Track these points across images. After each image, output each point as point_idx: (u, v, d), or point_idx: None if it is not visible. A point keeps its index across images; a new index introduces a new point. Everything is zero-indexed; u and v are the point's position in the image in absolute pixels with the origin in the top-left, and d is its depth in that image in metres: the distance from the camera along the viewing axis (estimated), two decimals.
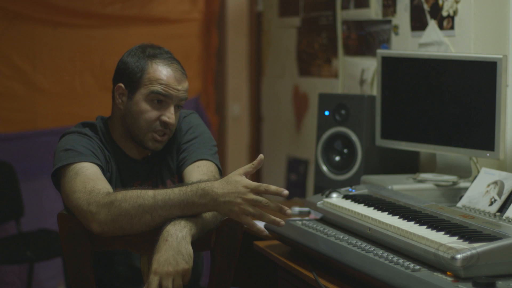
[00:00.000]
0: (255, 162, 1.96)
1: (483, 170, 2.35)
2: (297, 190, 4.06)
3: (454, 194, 2.59)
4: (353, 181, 2.87)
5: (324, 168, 3.03)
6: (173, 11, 4.58)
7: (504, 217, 2.13)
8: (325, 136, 3.04)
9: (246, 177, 1.94)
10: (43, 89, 4.26)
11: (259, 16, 4.53)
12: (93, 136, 2.22)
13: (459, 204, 2.34)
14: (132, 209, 1.93)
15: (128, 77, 2.22)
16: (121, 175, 2.26)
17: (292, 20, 4.08)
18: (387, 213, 2.21)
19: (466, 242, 1.88)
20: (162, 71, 2.21)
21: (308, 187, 3.94)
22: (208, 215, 2.00)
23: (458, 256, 1.78)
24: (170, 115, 2.20)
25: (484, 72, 2.51)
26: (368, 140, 2.93)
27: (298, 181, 4.06)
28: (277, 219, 1.93)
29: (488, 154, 2.51)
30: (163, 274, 1.84)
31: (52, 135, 3.95)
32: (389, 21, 3.24)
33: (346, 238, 2.18)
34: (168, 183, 2.30)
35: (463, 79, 2.60)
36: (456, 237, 1.92)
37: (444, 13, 2.89)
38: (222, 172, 2.34)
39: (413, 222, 2.09)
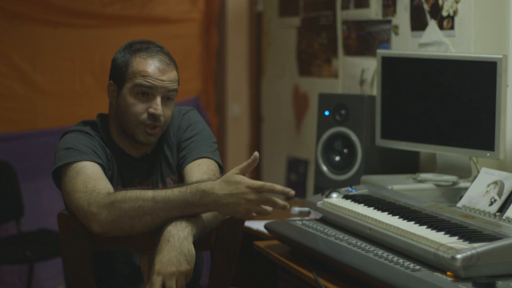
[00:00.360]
0: (250, 160, 1.95)
1: (483, 170, 2.35)
2: (297, 190, 4.06)
3: (454, 194, 2.59)
4: (353, 181, 2.87)
5: (324, 168, 3.03)
6: (173, 11, 4.58)
7: (504, 217, 2.13)
8: (325, 136, 3.04)
9: (245, 176, 1.94)
10: (43, 89, 4.26)
11: (259, 16, 4.53)
12: (94, 135, 2.22)
13: (459, 204, 2.34)
14: (132, 210, 1.93)
15: (115, 73, 2.23)
16: (121, 173, 2.26)
17: (292, 20, 4.08)
18: (387, 213, 2.21)
19: (466, 242, 1.88)
20: (145, 63, 2.19)
21: (308, 187, 3.94)
22: (208, 215, 1.99)
23: (458, 256, 1.78)
24: (156, 107, 2.19)
25: (484, 72, 2.51)
26: (368, 140, 2.93)
27: (298, 181, 4.06)
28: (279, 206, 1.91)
29: (488, 154, 2.51)
30: (166, 274, 1.84)
31: (52, 135, 3.95)
32: (389, 21, 3.24)
33: (346, 238, 2.18)
34: (168, 181, 2.30)
35: (463, 79, 2.60)
36: (456, 237, 1.92)
37: (444, 13, 2.89)
38: (223, 170, 2.33)
39: (413, 222, 2.09)
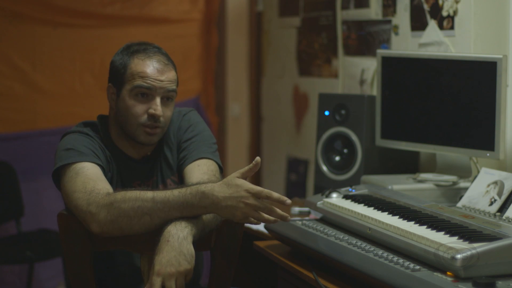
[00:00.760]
0: (251, 165, 1.95)
1: (483, 170, 2.35)
2: (297, 190, 4.06)
3: (454, 194, 2.59)
4: (353, 181, 2.87)
5: (324, 168, 3.03)
6: (173, 11, 4.58)
7: (504, 217, 2.13)
8: (325, 136, 3.04)
9: (245, 180, 1.94)
10: (43, 89, 4.26)
11: (259, 16, 4.53)
12: (94, 136, 2.22)
13: (459, 204, 2.34)
14: (131, 210, 1.93)
15: (114, 75, 2.23)
16: (121, 175, 2.26)
17: (292, 20, 4.08)
18: (387, 213, 2.21)
19: (466, 242, 1.88)
20: (143, 64, 2.19)
21: (308, 187, 3.94)
22: (208, 215, 1.99)
23: (458, 256, 1.78)
24: (155, 107, 2.19)
25: (484, 72, 2.51)
26: (368, 140, 2.93)
27: (298, 181, 4.06)
28: (277, 219, 1.93)
29: (488, 154, 2.51)
30: (165, 275, 1.84)
31: (52, 135, 3.96)
32: (389, 21, 3.24)
33: (346, 238, 2.18)
34: (169, 182, 2.30)
35: (463, 79, 2.60)
36: (456, 237, 1.92)
37: (444, 13, 2.89)
38: (223, 170, 2.34)
39: (413, 222, 2.09)
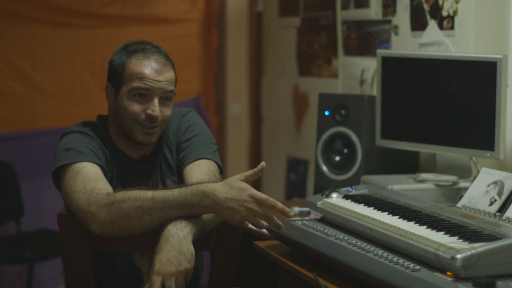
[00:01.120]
0: (256, 169, 1.95)
1: (483, 170, 2.35)
2: (297, 190, 4.06)
3: (454, 194, 2.59)
4: (353, 181, 2.87)
5: (324, 168, 3.03)
6: (173, 11, 4.58)
7: (504, 217, 2.13)
8: (325, 136, 3.04)
9: (248, 184, 1.94)
10: (43, 89, 4.26)
11: (259, 16, 4.53)
12: (94, 136, 2.22)
13: (459, 204, 2.34)
14: (131, 210, 1.93)
15: (112, 75, 2.23)
16: (120, 175, 2.26)
17: (292, 20, 4.08)
18: (387, 213, 2.21)
19: (466, 242, 1.88)
20: (141, 65, 2.18)
21: (308, 187, 3.94)
22: (208, 214, 1.99)
23: (458, 256, 1.78)
24: (153, 108, 2.19)
25: (484, 72, 2.51)
26: (368, 140, 2.93)
27: (298, 181, 4.06)
28: (270, 225, 1.94)
29: (488, 154, 2.51)
30: (165, 274, 1.84)
31: (52, 135, 3.95)
32: (389, 21, 3.24)
33: (346, 238, 2.17)
34: (168, 182, 2.30)
35: (463, 79, 2.60)
36: (456, 237, 1.92)
37: (444, 13, 2.89)
38: (223, 171, 2.33)
39: (413, 222, 2.09)
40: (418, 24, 3.05)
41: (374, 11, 3.33)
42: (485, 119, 2.51)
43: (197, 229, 1.94)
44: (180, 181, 2.27)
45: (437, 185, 2.63)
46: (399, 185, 2.60)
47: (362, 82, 3.43)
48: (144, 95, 2.19)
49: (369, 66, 3.38)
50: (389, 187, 2.57)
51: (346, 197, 2.43)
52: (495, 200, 2.22)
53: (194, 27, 4.68)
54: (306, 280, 2.14)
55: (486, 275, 1.78)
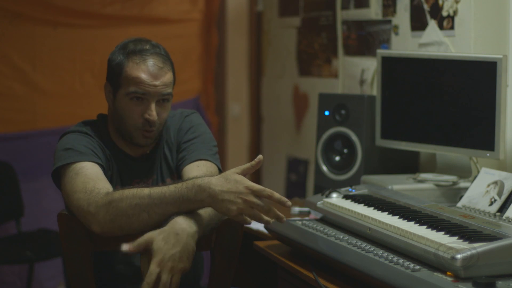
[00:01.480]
0: (253, 162, 1.95)
1: (483, 170, 2.35)
2: (297, 190, 4.06)
3: (454, 194, 2.59)
4: (353, 181, 2.87)
5: (324, 168, 3.03)
6: (173, 11, 4.58)
7: (504, 217, 2.13)
8: (325, 136, 3.04)
9: (245, 177, 1.93)
10: (43, 89, 4.26)
11: (259, 16, 4.53)
12: (94, 135, 2.22)
13: (459, 204, 2.34)
14: (129, 209, 1.93)
15: (111, 76, 2.24)
16: (120, 174, 2.26)
17: (292, 20, 4.08)
18: (387, 213, 2.21)
19: (466, 242, 1.88)
20: (138, 69, 2.18)
21: (308, 187, 3.94)
22: (211, 212, 1.99)
23: (458, 256, 1.78)
24: (150, 112, 2.19)
25: (484, 72, 2.51)
26: (368, 140, 2.93)
27: (298, 181, 4.06)
28: (271, 220, 1.93)
29: (488, 154, 2.51)
30: (165, 268, 1.84)
31: (52, 135, 3.94)
32: (389, 21, 3.24)
33: (346, 238, 2.17)
34: (168, 181, 2.29)
35: (463, 79, 2.60)
36: (456, 237, 1.92)
37: (444, 13, 2.89)
38: (223, 170, 2.33)
39: (413, 222, 2.09)
40: (418, 24, 3.05)
41: (374, 11, 3.33)
42: (485, 119, 2.51)
43: (202, 228, 1.94)
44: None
45: (437, 185, 2.63)
46: (399, 185, 2.60)
47: (362, 82, 3.43)
48: (141, 98, 2.19)
49: (369, 66, 3.38)
50: (389, 187, 2.57)
51: (346, 197, 2.43)
52: (495, 200, 2.22)
53: (194, 27, 4.68)
54: (306, 280, 2.14)
55: (486, 275, 1.78)
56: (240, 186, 1.89)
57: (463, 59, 2.60)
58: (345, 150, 3.00)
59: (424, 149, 2.79)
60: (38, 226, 4.15)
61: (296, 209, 2.96)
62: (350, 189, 2.52)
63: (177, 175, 2.30)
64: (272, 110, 4.42)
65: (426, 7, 2.99)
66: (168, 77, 2.22)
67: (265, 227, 2.44)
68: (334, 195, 2.46)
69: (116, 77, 2.21)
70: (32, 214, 4.18)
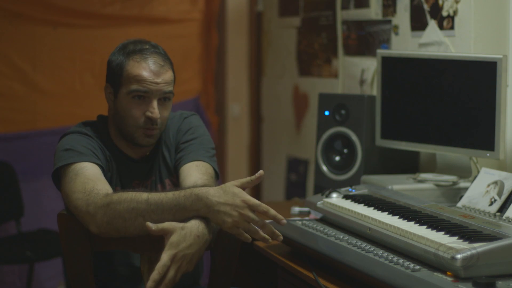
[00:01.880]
0: (253, 177, 1.94)
1: (483, 170, 2.35)
2: (297, 190, 4.06)
3: (454, 194, 2.59)
4: (353, 181, 2.87)
5: (324, 168, 3.03)
6: (173, 11, 4.58)
7: (504, 217, 2.13)
8: (325, 136, 3.04)
9: (244, 191, 1.94)
10: (43, 89, 4.26)
11: (259, 16, 4.53)
12: (94, 136, 2.22)
13: (459, 204, 2.34)
14: (126, 212, 1.92)
15: (111, 76, 2.23)
16: (120, 175, 2.26)
17: (292, 20, 4.08)
18: (387, 213, 2.21)
19: (466, 242, 1.88)
20: (139, 67, 2.18)
21: (308, 187, 3.94)
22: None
23: (458, 256, 1.78)
24: (152, 110, 2.18)
25: (484, 72, 2.51)
26: (368, 140, 2.93)
27: (298, 181, 4.06)
28: (267, 236, 1.94)
29: (488, 154, 2.51)
30: (175, 264, 1.85)
31: (52, 135, 3.95)
32: (389, 21, 3.24)
33: (346, 238, 2.18)
34: (167, 182, 2.30)
35: (463, 79, 2.60)
36: (456, 237, 1.92)
37: (444, 13, 2.89)
38: (220, 174, 2.33)
39: (413, 222, 2.09)
40: (418, 24, 3.05)
41: (374, 11, 3.33)
42: (485, 119, 2.51)
43: (212, 236, 1.95)
44: (178, 181, 2.27)
45: (437, 185, 2.63)
46: (399, 185, 2.60)
47: (362, 82, 3.43)
48: (142, 97, 2.19)
49: (369, 66, 3.38)
50: (389, 187, 2.57)
51: (346, 197, 2.43)
52: (495, 200, 2.22)
53: (194, 27, 4.68)
54: (306, 280, 2.14)
55: (486, 275, 1.78)
56: (237, 199, 1.89)
57: (463, 59, 2.60)
58: (345, 150, 3.00)
59: (424, 149, 2.79)
60: (38, 226, 4.15)
61: (296, 209, 2.96)
62: (350, 189, 2.52)
63: (175, 176, 2.30)
64: (272, 110, 4.42)
65: (426, 7, 2.99)
66: (169, 75, 2.22)
67: None
68: (334, 195, 2.46)
69: (117, 77, 2.20)
70: (32, 214, 4.18)
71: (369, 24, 3.38)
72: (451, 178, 2.65)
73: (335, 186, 2.69)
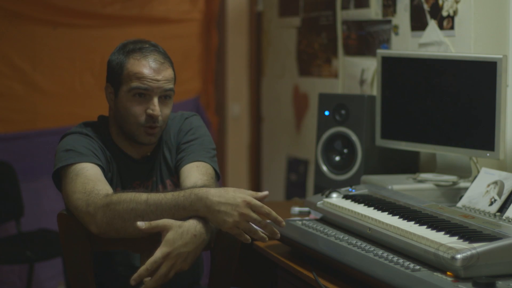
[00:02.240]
0: (260, 194, 1.93)
1: (483, 170, 2.35)
2: (297, 190, 4.06)
3: (454, 194, 2.59)
4: (353, 181, 2.87)
5: (324, 168, 3.03)
6: (173, 11, 4.58)
7: (504, 217, 2.13)
8: (325, 136, 3.04)
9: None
10: (43, 89, 4.26)
11: (259, 16, 4.53)
12: (94, 136, 2.22)
13: (459, 204, 2.34)
14: (125, 213, 1.92)
15: (112, 76, 2.23)
16: (121, 175, 2.26)
17: (292, 20, 4.08)
18: (387, 213, 2.21)
19: (466, 242, 1.88)
20: (139, 65, 2.18)
21: (308, 187, 3.94)
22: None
23: (458, 256, 1.78)
24: (153, 108, 2.18)
25: (484, 72, 2.51)
26: (368, 140, 2.93)
27: (298, 181, 4.06)
28: (266, 236, 1.94)
29: (488, 154, 2.51)
30: (168, 262, 1.85)
31: (52, 135, 3.96)
32: (389, 21, 3.24)
33: (346, 238, 2.18)
34: (168, 183, 2.30)
35: (463, 79, 2.60)
36: (456, 237, 1.92)
37: (444, 13, 2.89)
38: (220, 173, 2.33)
39: (413, 222, 2.09)
40: (418, 24, 3.05)
41: (374, 11, 3.33)
42: (485, 119, 2.51)
43: (211, 237, 1.94)
44: (179, 182, 2.27)
45: (437, 185, 2.63)
46: (399, 185, 2.60)
47: (362, 82, 3.43)
48: (143, 94, 2.19)
49: (369, 66, 3.38)
50: (389, 187, 2.57)
51: (346, 197, 2.43)
52: (495, 200, 2.22)
53: (194, 27, 4.68)
54: (306, 280, 2.14)
55: (486, 275, 1.78)
56: (238, 199, 1.89)
57: (463, 59, 2.60)
58: (345, 150, 3.00)
59: (424, 149, 2.79)
60: (38, 226, 4.15)
61: (296, 209, 2.96)
62: (350, 189, 2.52)
63: (176, 176, 2.30)
64: (272, 110, 4.42)
65: (426, 7, 2.99)
66: (169, 72, 2.22)
67: None
68: (334, 195, 2.46)
69: (117, 76, 2.21)
70: (32, 214, 4.18)
71: (369, 24, 3.38)
72: (451, 178, 2.65)
73: (335, 186, 2.69)
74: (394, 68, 2.85)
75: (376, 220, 2.14)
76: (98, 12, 4.36)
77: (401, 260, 1.93)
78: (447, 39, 2.88)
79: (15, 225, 4.10)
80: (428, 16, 2.98)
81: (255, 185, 4.62)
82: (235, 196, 1.89)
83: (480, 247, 1.81)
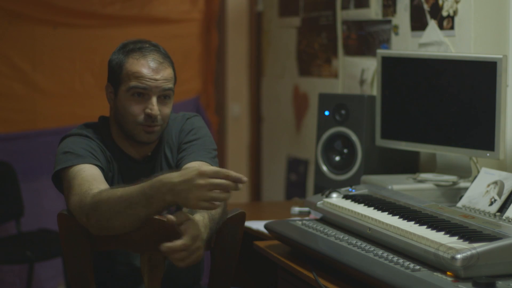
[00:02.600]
0: (233, 174, 1.83)
1: (483, 170, 2.35)
2: (297, 190, 4.06)
3: (454, 194, 2.59)
4: (353, 181, 2.87)
5: (324, 168, 3.03)
6: (173, 11, 4.58)
7: (504, 217, 2.13)
8: (325, 136, 3.04)
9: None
10: (43, 89, 4.26)
11: (259, 16, 4.53)
12: (94, 137, 2.22)
13: (459, 204, 2.34)
14: (107, 212, 1.91)
15: (111, 75, 2.24)
16: (122, 175, 2.26)
17: (292, 20, 4.08)
18: (387, 213, 2.21)
19: (466, 242, 1.88)
20: (138, 64, 2.18)
21: (308, 187, 3.94)
22: (217, 216, 1.99)
23: (458, 256, 1.78)
24: (152, 107, 2.18)
25: (484, 72, 2.51)
26: (368, 140, 2.93)
27: (298, 181, 4.06)
28: (237, 187, 1.84)
29: (488, 154, 2.51)
30: (175, 256, 1.84)
31: (52, 135, 3.96)
32: (389, 21, 3.24)
33: (346, 238, 2.18)
34: None
35: (463, 79, 2.60)
36: (456, 237, 1.92)
37: (444, 13, 2.89)
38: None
39: (413, 222, 2.09)
40: (418, 24, 3.05)
41: (374, 11, 3.33)
42: (485, 119, 2.51)
43: (211, 234, 1.94)
44: None
45: (437, 185, 2.63)
46: (399, 185, 2.60)
47: (362, 82, 3.43)
48: (142, 94, 2.19)
49: (369, 66, 3.38)
50: (389, 187, 2.58)
51: (346, 197, 2.43)
52: (495, 200, 2.22)
53: (194, 27, 4.68)
54: (306, 280, 2.14)
55: (486, 275, 1.78)
56: (192, 173, 1.81)
57: (463, 59, 2.60)
58: (345, 150, 3.00)
59: (424, 149, 2.79)
60: (38, 226, 4.15)
61: (296, 209, 2.96)
62: (350, 189, 2.52)
63: None
64: (272, 110, 4.42)
65: (426, 7, 2.99)
66: (168, 72, 2.22)
67: (265, 227, 2.44)
68: (334, 195, 2.46)
69: (116, 75, 2.21)
70: (32, 214, 4.18)
71: (369, 24, 3.38)
72: (451, 178, 2.65)
73: (335, 186, 2.69)
74: (394, 68, 2.85)
75: (376, 220, 2.14)
76: (98, 12, 4.36)
77: (401, 260, 1.93)
78: (447, 39, 2.88)
79: (15, 225, 4.10)
80: (428, 16, 2.98)
81: (255, 185, 4.62)
82: (190, 171, 1.83)
83: (480, 247, 1.81)
